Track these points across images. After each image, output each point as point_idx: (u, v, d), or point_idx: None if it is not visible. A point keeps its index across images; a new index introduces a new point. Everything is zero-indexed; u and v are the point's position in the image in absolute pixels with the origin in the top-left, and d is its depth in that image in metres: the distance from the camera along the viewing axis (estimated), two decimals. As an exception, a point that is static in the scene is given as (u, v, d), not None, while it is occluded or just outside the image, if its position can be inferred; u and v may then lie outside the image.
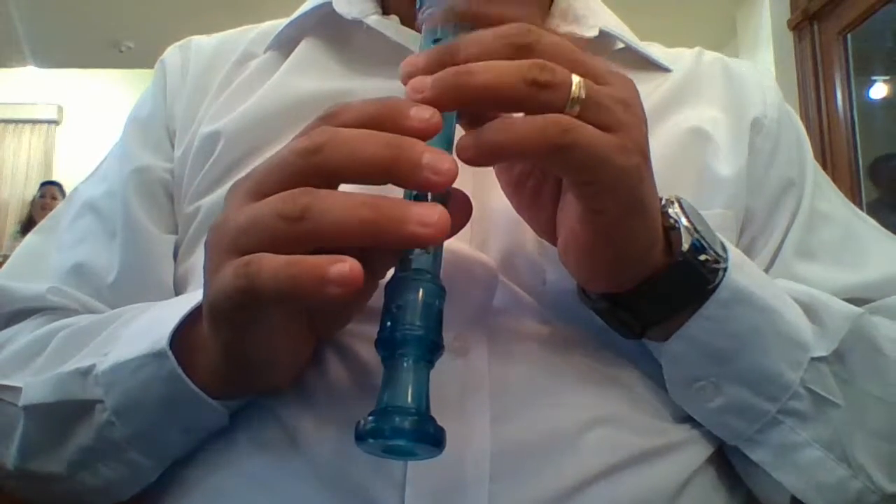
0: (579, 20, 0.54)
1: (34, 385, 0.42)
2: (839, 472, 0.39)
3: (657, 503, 0.38)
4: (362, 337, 0.39)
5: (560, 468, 0.37)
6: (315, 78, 0.52)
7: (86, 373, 0.40)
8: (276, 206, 0.29)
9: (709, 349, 0.39)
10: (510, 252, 0.43)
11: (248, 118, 0.50)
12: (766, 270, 0.49)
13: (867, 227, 0.55)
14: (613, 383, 0.42)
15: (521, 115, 0.32)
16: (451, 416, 0.37)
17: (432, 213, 0.28)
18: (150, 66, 0.60)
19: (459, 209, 0.33)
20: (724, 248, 0.39)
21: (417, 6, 0.38)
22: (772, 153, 0.52)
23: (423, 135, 0.30)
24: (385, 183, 0.30)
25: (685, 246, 0.37)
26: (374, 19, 0.52)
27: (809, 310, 0.42)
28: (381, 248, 0.32)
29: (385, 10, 0.54)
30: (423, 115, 0.30)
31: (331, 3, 0.53)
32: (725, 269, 0.38)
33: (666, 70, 0.54)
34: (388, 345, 0.31)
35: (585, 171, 0.31)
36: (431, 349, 0.31)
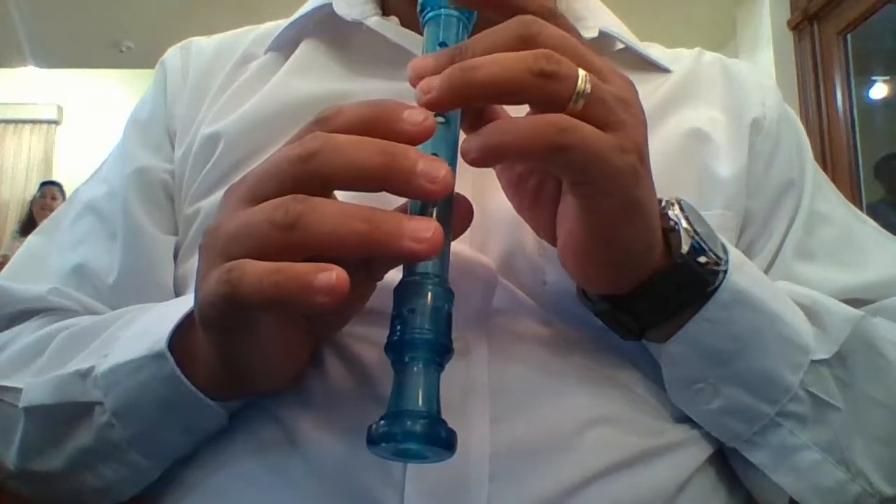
0: (579, 21, 0.54)
1: (34, 386, 0.42)
2: (838, 476, 0.39)
3: (656, 503, 0.38)
4: (361, 338, 0.40)
5: (559, 468, 0.37)
6: (315, 79, 0.52)
7: (85, 375, 0.40)
8: (268, 214, 0.29)
9: (708, 351, 0.39)
10: (510, 253, 0.43)
11: (249, 119, 0.50)
12: (766, 271, 0.49)
13: (867, 227, 0.55)
14: (613, 384, 0.42)
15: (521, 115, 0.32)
16: (451, 416, 0.37)
17: (426, 228, 0.28)
18: (150, 66, 0.60)
19: (461, 213, 0.33)
20: (724, 250, 0.38)
21: (419, 8, 0.38)
22: (771, 154, 0.52)
23: (417, 138, 0.30)
24: (379, 190, 0.30)
25: (684, 248, 0.37)
26: (374, 21, 0.52)
27: (811, 312, 0.41)
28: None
29: (385, 12, 0.54)
30: (417, 118, 0.30)
31: (331, 5, 0.53)
32: (726, 272, 0.38)
33: (666, 71, 0.55)
34: (398, 349, 0.31)
35: (583, 171, 0.31)
36: (441, 352, 0.31)
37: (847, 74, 3.16)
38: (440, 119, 0.33)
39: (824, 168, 0.56)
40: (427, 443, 0.29)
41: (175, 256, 0.52)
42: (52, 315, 0.50)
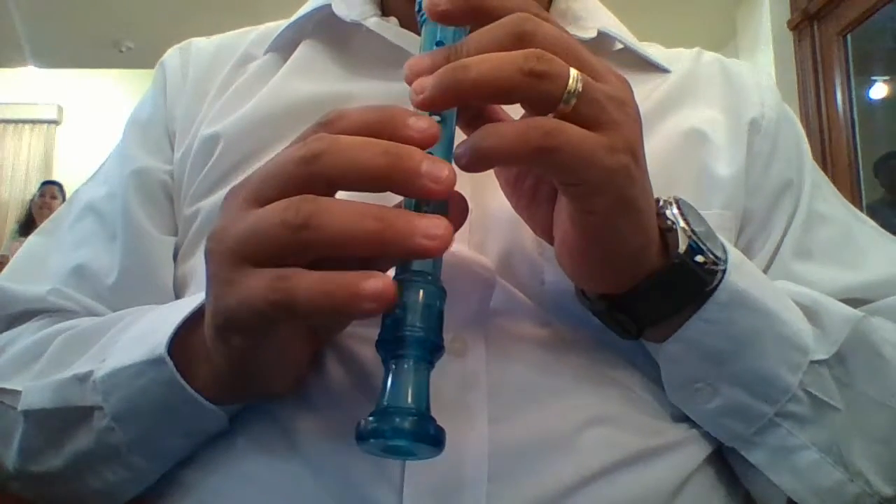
0: (578, 21, 0.54)
1: (33, 390, 0.42)
2: (836, 476, 0.39)
3: (655, 503, 0.38)
4: (360, 338, 0.40)
5: (558, 468, 0.37)
6: (314, 80, 0.52)
7: (84, 379, 0.40)
8: (279, 214, 0.29)
9: (707, 351, 0.39)
10: (508, 253, 0.43)
11: (248, 120, 0.50)
12: (765, 271, 0.49)
13: (865, 227, 0.55)
14: (612, 383, 0.42)
15: (511, 119, 0.32)
16: (450, 416, 0.37)
17: (438, 225, 0.28)
18: (150, 66, 0.60)
19: (457, 211, 0.34)
20: (724, 250, 0.38)
21: (417, 8, 0.38)
22: (770, 154, 0.52)
23: (421, 144, 0.30)
24: (384, 191, 0.30)
25: (682, 248, 0.37)
26: (373, 21, 0.52)
27: (810, 312, 0.41)
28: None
29: (384, 12, 0.54)
30: (422, 124, 0.30)
31: (330, 6, 0.53)
32: (724, 271, 0.38)
33: (665, 71, 0.55)
34: (388, 346, 0.31)
35: (571, 172, 0.31)
36: (432, 350, 0.31)
37: (847, 74, 3.16)
38: (436, 118, 0.33)
39: (824, 168, 0.56)
40: (415, 440, 0.29)
41: (175, 257, 0.52)
42: (52, 316, 0.50)
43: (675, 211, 0.38)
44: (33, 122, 5.52)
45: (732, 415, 0.40)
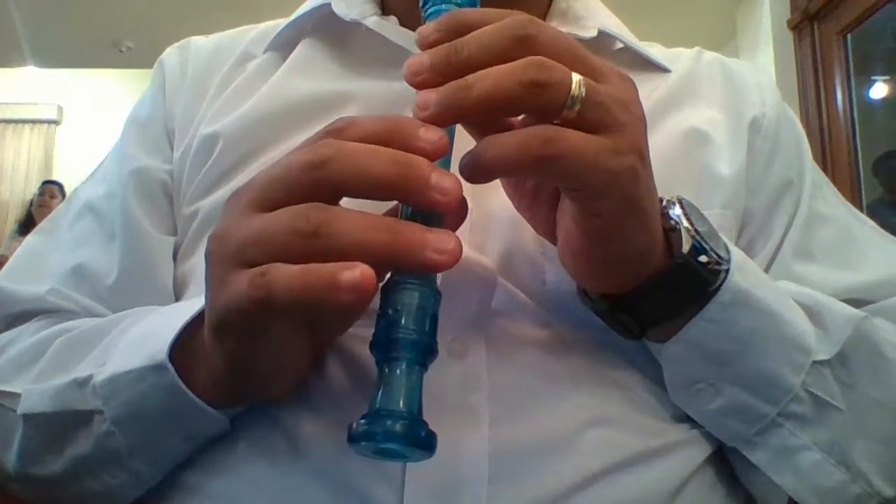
0: (578, 21, 0.54)
1: (32, 393, 0.42)
2: (838, 476, 0.39)
3: (656, 503, 0.38)
4: (362, 339, 0.39)
5: (558, 469, 0.37)
6: (314, 79, 0.51)
7: (83, 383, 0.40)
8: (289, 221, 0.29)
9: (709, 351, 0.38)
10: (509, 253, 0.43)
11: (247, 120, 0.50)
12: (765, 271, 0.49)
13: (866, 228, 0.55)
14: (612, 384, 0.41)
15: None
16: (450, 417, 0.37)
17: (448, 240, 0.29)
18: (150, 66, 0.59)
19: (455, 212, 0.33)
20: (727, 250, 0.38)
21: (421, 4, 0.38)
22: (770, 154, 0.52)
23: (431, 156, 0.30)
24: (390, 199, 0.30)
25: (685, 247, 0.37)
26: (373, 20, 0.52)
27: (812, 313, 0.41)
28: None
29: (384, 11, 0.54)
30: (432, 137, 0.30)
31: (329, 5, 0.53)
32: (727, 271, 0.37)
33: (665, 70, 0.54)
34: (382, 348, 0.31)
35: (573, 179, 0.31)
36: (425, 353, 0.31)
37: (847, 74, 3.16)
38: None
39: (824, 168, 0.56)
40: (406, 443, 0.29)
41: (174, 257, 0.52)
42: (52, 316, 0.50)
43: (679, 211, 0.38)
44: (33, 122, 5.53)
45: (734, 415, 0.40)
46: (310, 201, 0.29)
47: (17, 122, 5.51)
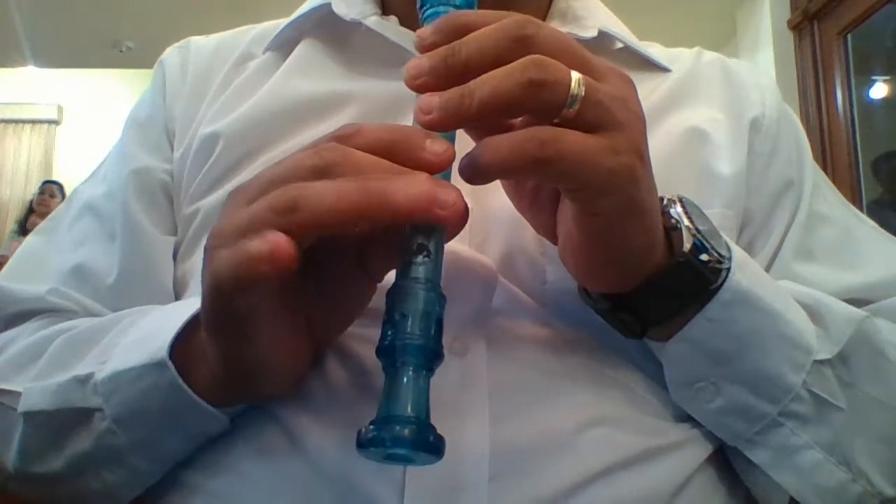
0: (578, 20, 0.54)
1: (33, 391, 0.42)
2: (839, 476, 0.39)
3: (657, 503, 0.38)
4: (361, 338, 0.39)
5: (559, 468, 0.37)
6: (314, 79, 0.51)
7: (84, 381, 0.40)
8: (268, 201, 0.29)
9: (710, 350, 0.38)
10: (510, 252, 0.43)
11: (247, 119, 0.50)
12: (766, 271, 0.49)
13: (866, 228, 0.55)
14: (613, 383, 0.41)
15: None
16: (450, 416, 0.37)
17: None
18: (150, 66, 0.60)
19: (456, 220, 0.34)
20: (728, 249, 0.38)
21: (419, 5, 0.38)
22: (771, 154, 0.52)
23: (437, 168, 0.31)
24: (392, 223, 0.31)
25: (686, 246, 0.37)
26: (373, 20, 0.52)
27: (813, 312, 0.41)
28: (379, 239, 0.33)
29: (384, 11, 0.54)
30: (438, 148, 0.31)
31: (329, 5, 0.53)
32: (728, 270, 0.37)
33: (665, 70, 0.54)
34: (388, 353, 0.31)
35: (571, 179, 0.31)
36: (431, 358, 0.31)
37: (847, 74, 3.16)
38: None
39: (824, 168, 0.56)
40: (415, 448, 0.29)
41: (174, 256, 0.52)
42: (52, 316, 0.50)
43: (680, 209, 0.38)
44: (33, 122, 5.53)
45: (735, 414, 0.40)
46: None
47: (17, 122, 5.51)
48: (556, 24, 0.54)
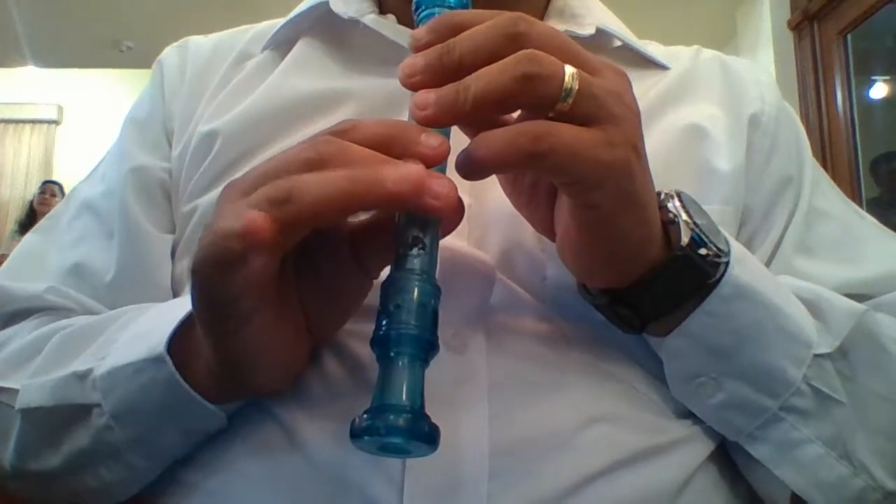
0: (576, 18, 0.54)
1: (31, 388, 0.42)
2: (840, 470, 0.39)
3: (659, 502, 0.38)
4: (359, 335, 0.39)
5: (560, 466, 0.37)
6: (312, 77, 0.52)
7: (83, 377, 0.40)
8: (264, 192, 0.30)
9: (710, 345, 0.38)
10: (509, 248, 0.43)
11: (246, 118, 0.50)
12: (766, 267, 0.49)
13: (866, 223, 0.55)
14: (613, 380, 0.41)
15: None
16: (449, 414, 0.37)
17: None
18: (150, 66, 0.60)
19: (452, 214, 0.34)
20: (726, 243, 0.38)
21: (414, 7, 0.38)
22: (770, 150, 0.52)
23: (432, 162, 0.31)
24: (384, 208, 0.31)
25: (684, 240, 0.37)
26: (370, 18, 0.52)
27: (813, 306, 0.41)
28: (375, 235, 0.33)
29: (381, 9, 0.54)
30: (433, 142, 0.31)
31: (327, 3, 0.53)
32: (727, 264, 0.37)
33: (664, 67, 0.54)
34: (383, 343, 0.31)
35: (566, 173, 0.31)
36: (426, 348, 0.31)
37: (847, 74, 3.15)
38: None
39: (824, 167, 0.56)
40: (410, 438, 0.29)
41: (172, 255, 0.52)
42: (50, 314, 0.50)
43: (677, 204, 0.38)
44: (33, 122, 5.53)
45: (736, 409, 0.39)
46: None
47: (17, 122, 5.51)
48: (553, 22, 0.54)
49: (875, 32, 3.22)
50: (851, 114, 3.12)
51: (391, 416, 0.29)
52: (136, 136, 0.55)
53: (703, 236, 0.37)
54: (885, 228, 0.55)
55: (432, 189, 0.30)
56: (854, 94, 3.14)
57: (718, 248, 0.37)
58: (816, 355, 0.39)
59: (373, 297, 0.34)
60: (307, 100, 0.50)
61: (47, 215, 0.59)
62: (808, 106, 3.25)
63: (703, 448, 0.41)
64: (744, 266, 0.38)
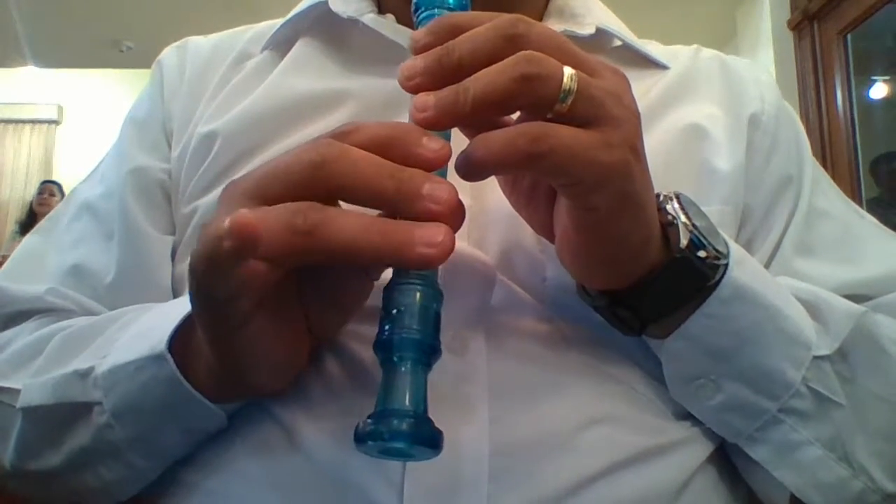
0: (576, 18, 0.54)
1: (32, 387, 0.42)
2: (839, 472, 0.39)
3: (658, 503, 0.38)
4: (359, 336, 0.39)
5: (559, 467, 0.37)
6: (311, 77, 0.51)
7: (84, 375, 0.40)
8: (286, 217, 0.29)
9: (709, 347, 0.38)
10: (509, 249, 0.43)
11: (245, 118, 0.50)
12: (766, 267, 0.49)
13: (866, 223, 0.55)
14: (613, 381, 0.41)
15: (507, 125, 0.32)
16: (449, 415, 0.37)
17: (437, 233, 0.29)
18: (150, 66, 0.60)
19: (452, 218, 0.34)
20: (725, 245, 0.38)
21: (413, 9, 0.38)
22: (770, 150, 0.52)
23: (434, 165, 0.31)
24: (385, 210, 0.31)
25: (683, 242, 0.36)
26: (369, 18, 0.52)
27: (812, 308, 0.41)
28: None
29: (381, 9, 0.54)
30: (434, 145, 0.31)
31: (326, 3, 0.53)
32: (726, 266, 0.37)
33: (663, 67, 0.54)
34: (385, 348, 0.31)
35: (564, 174, 0.31)
36: (429, 352, 0.31)
37: (847, 74, 3.16)
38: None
39: (824, 167, 0.56)
40: (413, 442, 0.29)
41: (172, 256, 0.52)
42: (50, 315, 0.50)
43: (676, 205, 0.38)
44: (33, 122, 5.54)
45: (735, 411, 0.39)
46: (306, 199, 0.30)
47: (17, 122, 5.51)
48: (553, 22, 0.54)
49: (875, 32, 3.22)
50: (851, 114, 3.12)
51: (395, 421, 0.29)
52: (136, 136, 0.55)
53: (702, 238, 0.37)
54: (885, 228, 0.55)
55: (432, 195, 0.30)
56: (854, 94, 3.14)
57: (717, 250, 0.37)
58: (816, 357, 0.39)
59: (374, 298, 0.34)
60: (306, 100, 0.50)
61: (47, 216, 0.59)
62: (808, 106, 3.25)
63: (702, 449, 0.41)
64: (743, 268, 0.38)
